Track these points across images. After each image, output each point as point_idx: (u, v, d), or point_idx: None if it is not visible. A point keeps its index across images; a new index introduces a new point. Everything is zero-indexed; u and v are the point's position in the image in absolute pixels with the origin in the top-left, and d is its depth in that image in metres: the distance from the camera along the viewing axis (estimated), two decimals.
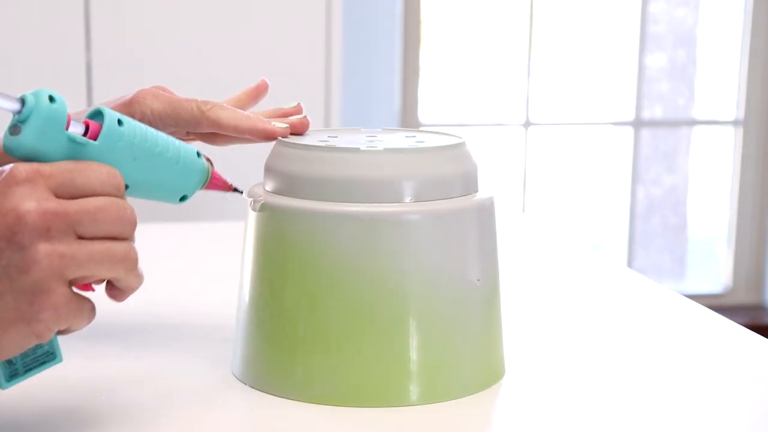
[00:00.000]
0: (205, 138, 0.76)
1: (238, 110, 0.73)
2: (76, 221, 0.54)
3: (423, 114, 3.03)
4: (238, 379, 0.70)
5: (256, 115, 0.74)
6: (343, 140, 0.71)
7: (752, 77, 3.15)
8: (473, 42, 3.23)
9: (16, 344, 0.55)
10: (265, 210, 0.67)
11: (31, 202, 0.53)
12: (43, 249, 0.53)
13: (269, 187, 0.69)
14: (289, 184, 0.67)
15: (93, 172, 0.56)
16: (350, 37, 2.68)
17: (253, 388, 0.68)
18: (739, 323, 0.85)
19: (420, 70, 2.98)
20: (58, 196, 0.55)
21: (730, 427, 0.65)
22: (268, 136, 0.71)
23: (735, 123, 3.21)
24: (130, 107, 0.72)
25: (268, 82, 0.79)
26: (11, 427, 0.62)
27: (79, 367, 0.72)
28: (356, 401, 0.65)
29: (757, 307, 3.24)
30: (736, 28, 3.16)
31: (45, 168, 0.55)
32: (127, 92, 0.73)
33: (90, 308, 0.57)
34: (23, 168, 0.55)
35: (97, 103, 0.69)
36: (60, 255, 0.54)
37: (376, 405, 0.65)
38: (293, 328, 0.66)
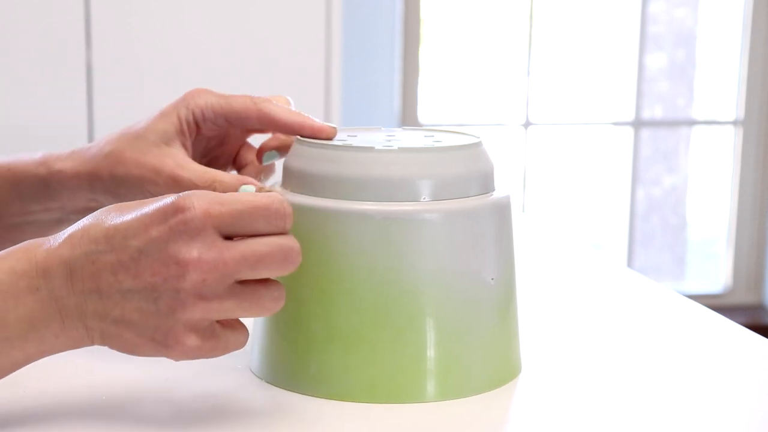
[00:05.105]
0: (248, 134, 0.78)
1: (287, 107, 0.74)
2: (234, 271, 0.56)
3: (423, 114, 3.03)
4: (256, 375, 0.70)
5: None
6: (361, 139, 0.71)
7: (752, 77, 3.15)
8: (473, 42, 3.23)
9: (148, 355, 0.58)
10: None
11: (195, 252, 0.55)
12: (193, 299, 0.55)
13: (287, 185, 0.69)
14: (305, 182, 0.67)
15: (261, 216, 0.57)
16: (350, 37, 2.68)
17: (270, 384, 0.68)
18: (739, 323, 0.85)
19: (420, 70, 2.98)
20: (223, 235, 0.56)
21: (730, 427, 0.65)
22: (315, 133, 0.71)
23: (735, 123, 3.21)
24: (177, 107, 0.73)
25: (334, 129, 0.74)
26: (15, 427, 0.62)
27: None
28: (371, 398, 0.65)
29: (757, 307, 3.25)
30: (736, 28, 3.17)
31: (215, 209, 0.55)
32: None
33: (230, 339, 0.59)
34: (198, 213, 0.55)
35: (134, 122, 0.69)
36: (208, 308, 0.55)
37: (391, 402, 0.65)
38: (308, 325, 0.66)
